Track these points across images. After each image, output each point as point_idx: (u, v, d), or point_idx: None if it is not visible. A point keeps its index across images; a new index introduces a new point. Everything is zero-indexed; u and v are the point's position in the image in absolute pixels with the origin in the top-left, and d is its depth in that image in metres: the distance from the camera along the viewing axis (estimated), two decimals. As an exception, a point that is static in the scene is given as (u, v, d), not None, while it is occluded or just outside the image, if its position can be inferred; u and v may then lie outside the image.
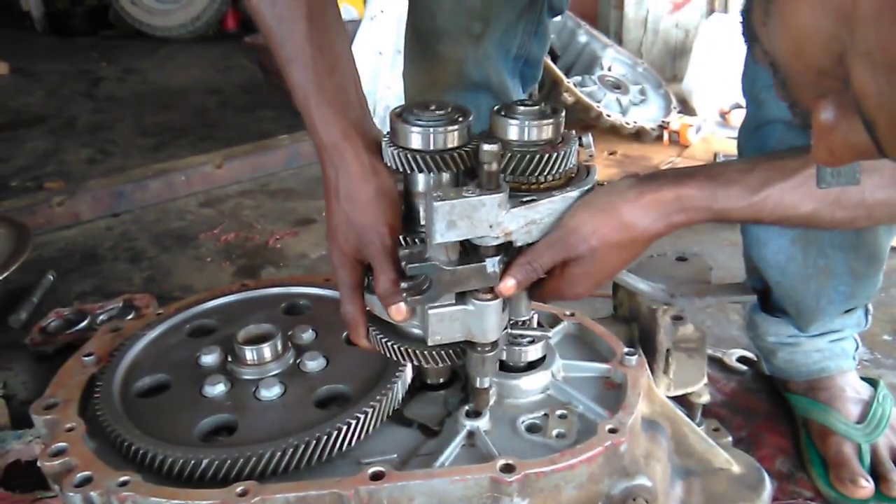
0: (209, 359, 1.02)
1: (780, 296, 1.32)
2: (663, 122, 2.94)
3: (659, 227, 0.90)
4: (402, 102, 0.90)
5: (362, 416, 0.88)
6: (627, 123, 2.86)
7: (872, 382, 1.36)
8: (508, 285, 0.87)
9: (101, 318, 1.74)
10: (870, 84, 0.41)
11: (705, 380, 1.23)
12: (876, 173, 0.87)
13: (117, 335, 1.11)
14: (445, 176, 0.89)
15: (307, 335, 1.08)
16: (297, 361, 1.02)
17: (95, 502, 0.80)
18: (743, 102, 3.06)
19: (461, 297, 0.87)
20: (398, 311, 0.87)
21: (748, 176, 0.89)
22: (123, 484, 0.80)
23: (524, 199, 0.86)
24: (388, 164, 0.88)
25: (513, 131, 0.88)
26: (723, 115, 3.05)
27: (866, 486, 1.21)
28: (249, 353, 1.00)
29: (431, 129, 0.85)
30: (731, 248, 2.01)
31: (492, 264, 0.85)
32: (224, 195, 2.65)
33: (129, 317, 1.71)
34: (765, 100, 1.15)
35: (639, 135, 2.91)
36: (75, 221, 2.42)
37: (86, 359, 1.04)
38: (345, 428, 0.87)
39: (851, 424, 1.28)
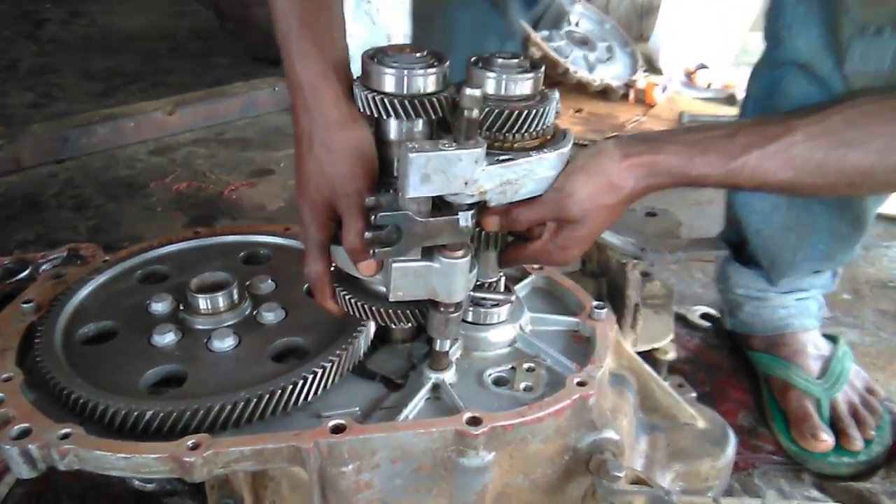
0: (160, 306, 0.97)
1: (758, 245, 1.32)
2: (630, 80, 2.91)
3: (639, 188, 0.90)
4: (365, 51, 0.85)
5: (321, 370, 0.84)
6: (594, 81, 2.82)
7: (833, 339, 1.37)
8: (491, 220, 0.86)
9: (43, 267, 1.65)
10: None
11: (672, 335, 1.23)
12: (861, 146, 0.87)
13: (59, 282, 1.04)
14: (419, 123, 0.84)
15: (266, 285, 1.03)
16: (254, 312, 0.97)
17: (35, 456, 0.75)
18: (708, 63, 3.06)
19: (427, 254, 0.82)
20: (368, 267, 0.83)
21: (728, 143, 0.89)
22: (65, 437, 0.75)
23: (500, 158, 0.82)
24: (360, 109, 0.82)
25: (490, 84, 0.84)
26: (688, 75, 3.04)
27: (826, 439, 1.22)
28: (203, 302, 0.95)
29: (406, 72, 0.80)
30: (696, 208, 2.00)
31: (464, 218, 0.80)
32: (176, 143, 2.54)
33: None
34: (784, 39, 1.12)
35: (605, 92, 2.88)
36: (16, 167, 2.29)
37: (25, 306, 0.97)
38: (301, 382, 0.83)
39: (812, 380, 1.29)
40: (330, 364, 0.85)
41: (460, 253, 0.82)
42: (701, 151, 0.89)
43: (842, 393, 1.28)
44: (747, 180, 0.90)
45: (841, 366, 1.31)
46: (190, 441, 0.75)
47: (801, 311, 1.38)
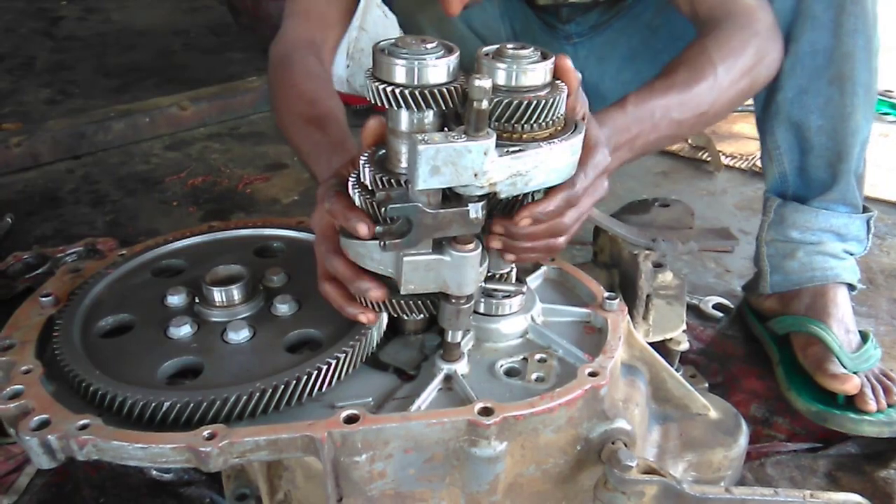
0: (175, 299, 0.98)
1: (825, 144, 1.35)
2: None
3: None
4: (376, 43, 0.86)
5: (334, 361, 0.85)
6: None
7: (863, 335, 1.36)
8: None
9: (62, 261, 1.67)
10: None
11: (684, 326, 1.22)
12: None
13: (77, 276, 1.05)
14: (430, 114, 0.84)
15: (279, 278, 1.04)
16: (268, 305, 0.98)
17: (53, 446, 0.76)
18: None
19: (437, 247, 0.83)
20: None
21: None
22: (83, 427, 0.76)
23: (510, 150, 0.82)
24: (371, 100, 0.83)
25: (500, 75, 0.83)
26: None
27: (853, 376, 1.23)
28: (217, 295, 0.96)
29: (417, 63, 0.80)
30: (709, 198, 1.99)
31: (475, 210, 0.80)
32: (191, 138, 2.56)
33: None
34: None
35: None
36: (34, 163, 2.32)
37: (43, 299, 0.99)
38: (315, 372, 0.84)
39: (844, 349, 1.29)
40: (343, 355, 0.86)
41: (471, 246, 0.82)
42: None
43: (862, 374, 1.28)
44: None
45: (874, 349, 1.32)
46: (206, 431, 0.76)
47: (846, 267, 1.39)
